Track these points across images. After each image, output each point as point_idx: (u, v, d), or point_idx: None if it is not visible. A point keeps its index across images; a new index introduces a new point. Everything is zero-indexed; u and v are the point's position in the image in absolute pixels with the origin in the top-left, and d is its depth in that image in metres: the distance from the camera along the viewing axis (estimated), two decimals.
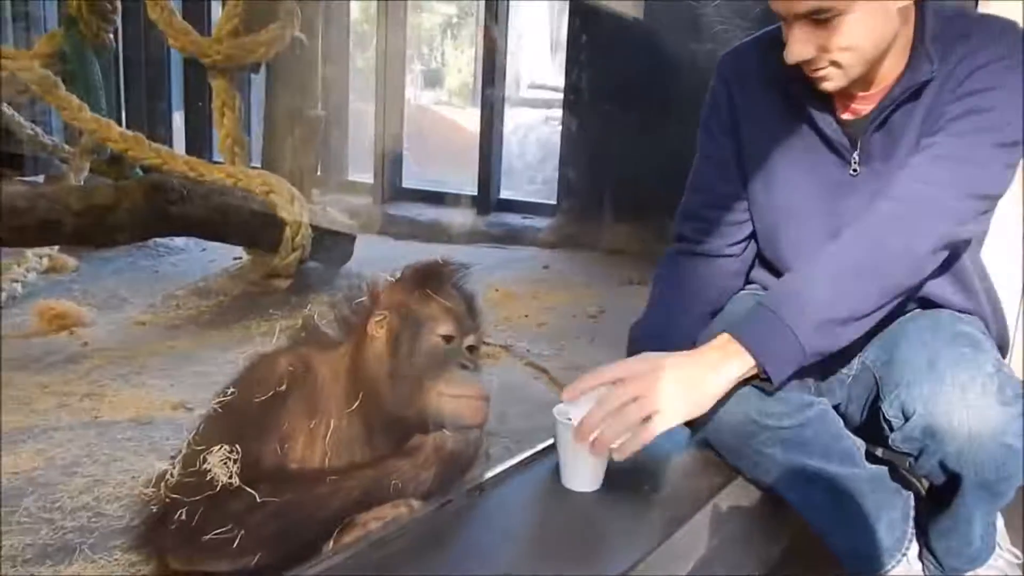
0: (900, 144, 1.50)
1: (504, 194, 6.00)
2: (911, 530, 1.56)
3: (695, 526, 1.47)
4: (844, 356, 1.59)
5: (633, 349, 1.61)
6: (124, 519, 1.98)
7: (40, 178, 5.36)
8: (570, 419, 1.43)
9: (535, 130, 7.35)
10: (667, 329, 1.62)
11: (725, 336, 1.43)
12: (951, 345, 1.46)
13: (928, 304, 1.59)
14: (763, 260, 1.73)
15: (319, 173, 5.32)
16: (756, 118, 1.63)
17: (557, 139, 5.64)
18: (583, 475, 1.47)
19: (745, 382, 1.45)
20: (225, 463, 1.26)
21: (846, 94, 1.53)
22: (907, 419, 1.46)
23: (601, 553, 1.34)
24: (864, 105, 1.53)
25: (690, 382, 1.41)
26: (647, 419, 1.38)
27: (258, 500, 1.23)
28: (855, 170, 1.55)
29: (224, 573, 1.26)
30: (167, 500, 1.27)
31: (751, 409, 1.47)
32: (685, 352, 1.45)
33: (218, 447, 1.27)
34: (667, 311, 1.70)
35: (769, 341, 1.41)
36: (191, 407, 2.71)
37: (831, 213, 1.56)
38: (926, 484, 1.62)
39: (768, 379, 1.42)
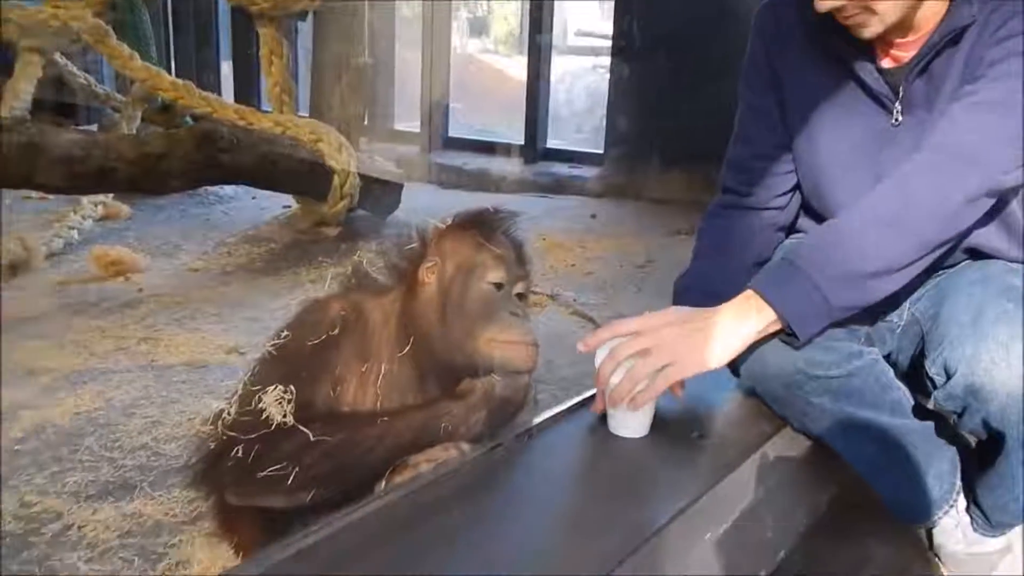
0: (942, 91, 1.45)
1: (551, 143, 5.97)
2: (959, 483, 1.55)
3: (742, 474, 1.47)
4: (893, 303, 1.56)
5: (678, 302, 1.61)
6: (181, 459, 2.03)
7: (94, 127, 5.44)
8: None
9: (582, 78, 7.28)
10: (712, 282, 1.61)
11: (749, 291, 1.42)
12: (997, 300, 1.42)
13: (978, 255, 1.55)
14: (809, 209, 1.70)
15: (366, 122, 5.32)
16: (795, 70, 1.59)
17: (605, 87, 5.58)
18: (629, 422, 1.48)
19: (774, 335, 1.44)
20: (280, 403, 1.28)
21: (885, 40, 1.47)
22: (949, 377, 1.44)
23: (648, 498, 1.35)
24: (904, 52, 1.48)
25: (705, 335, 1.40)
26: (660, 370, 1.39)
27: (312, 439, 1.26)
28: (897, 119, 1.50)
29: (279, 510, 1.30)
30: (224, 438, 1.30)
31: (798, 359, 1.45)
32: (709, 308, 1.43)
33: (273, 387, 1.30)
34: (712, 264, 1.68)
35: (792, 296, 1.38)
36: (244, 352, 2.77)
37: (874, 163, 1.52)
38: (974, 439, 1.60)
39: (794, 334, 1.40)
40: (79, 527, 1.79)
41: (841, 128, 1.56)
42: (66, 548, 1.72)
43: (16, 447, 2.13)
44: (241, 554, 1.41)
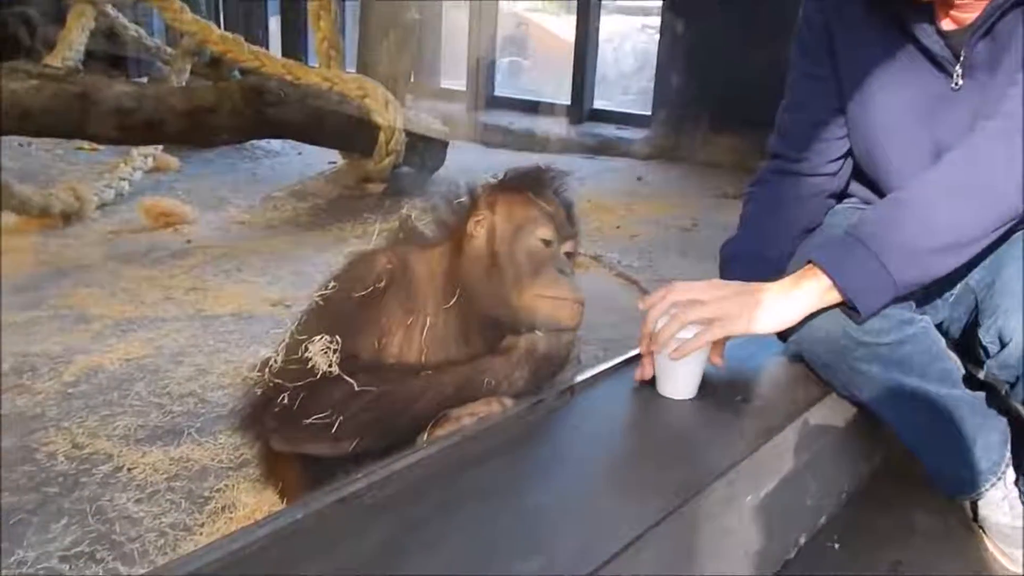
0: (1007, 53, 1.39)
1: (598, 104, 5.90)
2: (1008, 455, 1.52)
3: (786, 439, 1.46)
4: (950, 281, 1.53)
5: (725, 268, 1.59)
6: (228, 406, 2.07)
7: (144, 79, 5.50)
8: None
9: (631, 38, 7.17)
10: (759, 248, 1.59)
11: (810, 265, 1.39)
12: None
13: None
14: (861, 175, 1.66)
15: (413, 79, 5.31)
16: (851, 33, 1.54)
17: (653, 48, 5.49)
18: (676, 382, 1.47)
19: (832, 307, 1.41)
20: (326, 352, 1.30)
21: (945, 2, 1.41)
22: (1003, 346, 1.41)
23: (689, 459, 1.34)
24: (966, 13, 1.42)
25: (759, 300, 1.39)
26: (708, 323, 1.39)
27: (356, 389, 1.27)
28: (957, 83, 1.45)
29: (323, 457, 1.32)
30: (271, 385, 1.32)
31: (848, 324, 1.43)
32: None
33: (319, 337, 1.31)
34: (760, 231, 1.65)
35: (856, 273, 1.35)
36: (289, 304, 2.80)
37: (933, 128, 1.47)
38: None
39: (856, 310, 1.37)
40: (128, 469, 1.84)
41: (898, 92, 1.51)
42: (116, 489, 1.76)
43: (69, 390, 2.19)
44: (285, 500, 1.44)
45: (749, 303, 1.39)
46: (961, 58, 1.43)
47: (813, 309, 1.40)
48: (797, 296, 1.39)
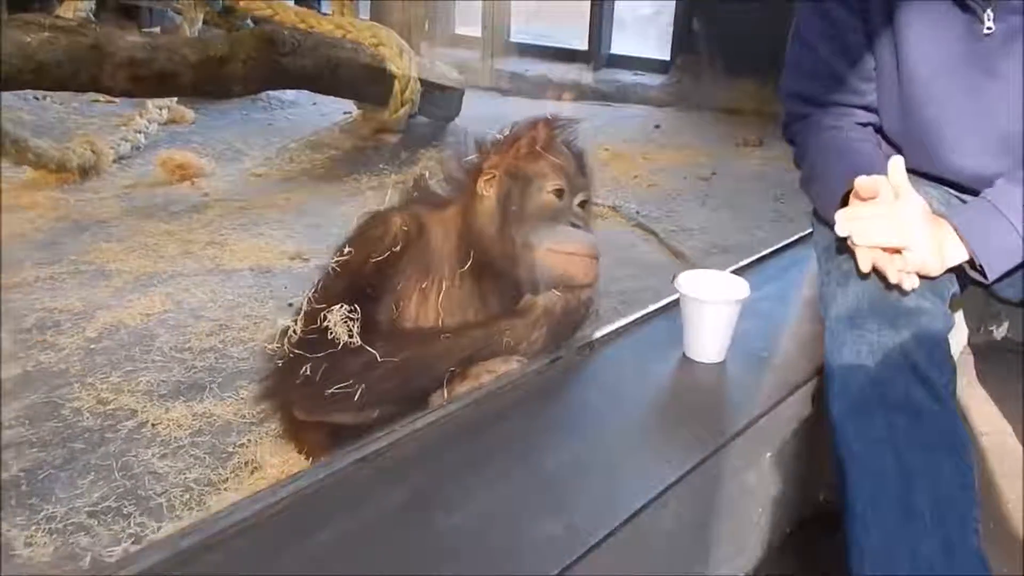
0: None
1: (615, 49, 5.81)
2: None
3: (806, 394, 1.45)
4: None
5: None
6: (248, 362, 2.09)
7: (156, 30, 5.44)
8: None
9: None
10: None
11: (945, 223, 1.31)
12: None
13: None
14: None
15: (427, 26, 5.23)
16: None
17: None
18: (709, 346, 1.45)
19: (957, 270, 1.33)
20: (346, 322, 1.29)
21: None
22: None
23: (709, 415, 1.34)
24: None
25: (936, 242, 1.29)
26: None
27: (378, 359, 1.27)
28: (989, 28, 1.39)
29: (345, 425, 1.33)
30: (291, 356, 1.32)
31: None
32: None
33: (338, 306, 1.31)
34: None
35: (986, 233, 1.29)
36: (307, 258, 2.80)
37: (970, 79, 1.41)
38: None
39: (983, 273, 1.30)
40: (152, 424, 1.86)
41: (926, 42, 1.45)
42: (141, 444, 1.79)
43: (91, 346, 2.20)
44: (309, 458, 1.45)
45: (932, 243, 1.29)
46: (991, 1, 1.38)
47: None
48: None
